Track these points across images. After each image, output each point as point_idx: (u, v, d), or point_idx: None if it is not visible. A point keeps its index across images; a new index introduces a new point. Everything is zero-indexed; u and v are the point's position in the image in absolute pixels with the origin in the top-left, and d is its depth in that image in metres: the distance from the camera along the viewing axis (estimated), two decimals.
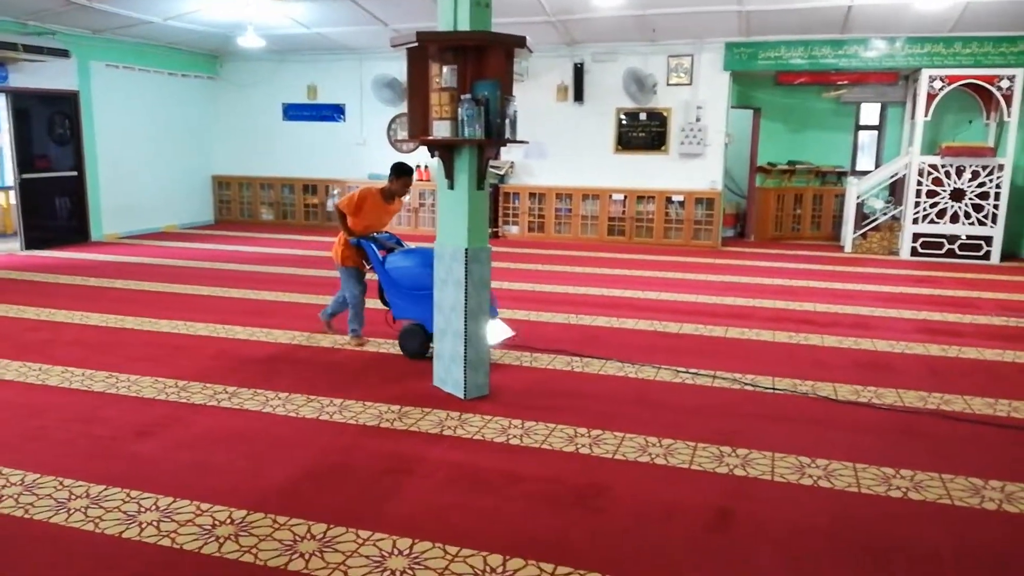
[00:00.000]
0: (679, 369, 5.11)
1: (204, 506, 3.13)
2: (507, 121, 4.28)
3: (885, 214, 11.01)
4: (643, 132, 11.46)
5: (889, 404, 4.51)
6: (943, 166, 10.16)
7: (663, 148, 11.35)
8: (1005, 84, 9.77)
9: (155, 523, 2.99)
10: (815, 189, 12.19)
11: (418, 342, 5.25)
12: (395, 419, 4.17)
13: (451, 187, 4.44)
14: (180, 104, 12.72)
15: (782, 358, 5.41)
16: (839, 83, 11.18)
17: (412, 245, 5.71)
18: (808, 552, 2.86)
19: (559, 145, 11.76)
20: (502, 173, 12.07)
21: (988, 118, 10.43)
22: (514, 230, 12.27)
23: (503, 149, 11.49)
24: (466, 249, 4.34)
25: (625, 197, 11.58)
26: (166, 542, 2.86)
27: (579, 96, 11.53)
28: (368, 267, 5.64)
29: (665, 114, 11.28)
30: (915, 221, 10.35)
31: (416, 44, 4.22)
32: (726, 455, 3.73)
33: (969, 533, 3.02)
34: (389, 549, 2.84)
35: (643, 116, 11.42)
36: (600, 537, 2.96)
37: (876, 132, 12.57)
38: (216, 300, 7.22)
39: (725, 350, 5.68)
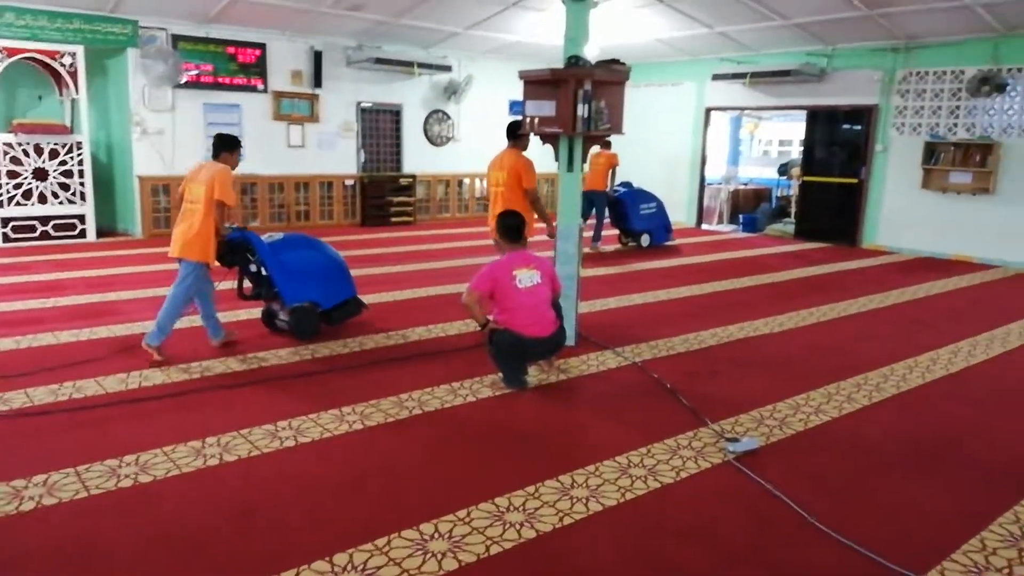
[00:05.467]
0: None
1: None
2: None
3: None
4: None
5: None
6: (20, 144, 9.59)
7: None
8: (68, 60, 9.73)
9: None
10: None
11: (315, 319, 5.48)
12: None
13: None
14: None
15: None
16: None
17: None
18: None
19: None
20: None
21: (61, 94, 10.27)
22: None
23: None
24: None
25: None
26: None
27: None
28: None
29: None
30: (1, 204, 9.52)
31: None
32: None
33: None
34: None
35: None
36: None
37: None
38: None
39: None
